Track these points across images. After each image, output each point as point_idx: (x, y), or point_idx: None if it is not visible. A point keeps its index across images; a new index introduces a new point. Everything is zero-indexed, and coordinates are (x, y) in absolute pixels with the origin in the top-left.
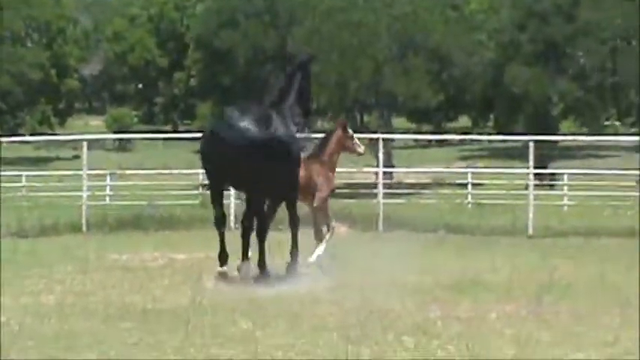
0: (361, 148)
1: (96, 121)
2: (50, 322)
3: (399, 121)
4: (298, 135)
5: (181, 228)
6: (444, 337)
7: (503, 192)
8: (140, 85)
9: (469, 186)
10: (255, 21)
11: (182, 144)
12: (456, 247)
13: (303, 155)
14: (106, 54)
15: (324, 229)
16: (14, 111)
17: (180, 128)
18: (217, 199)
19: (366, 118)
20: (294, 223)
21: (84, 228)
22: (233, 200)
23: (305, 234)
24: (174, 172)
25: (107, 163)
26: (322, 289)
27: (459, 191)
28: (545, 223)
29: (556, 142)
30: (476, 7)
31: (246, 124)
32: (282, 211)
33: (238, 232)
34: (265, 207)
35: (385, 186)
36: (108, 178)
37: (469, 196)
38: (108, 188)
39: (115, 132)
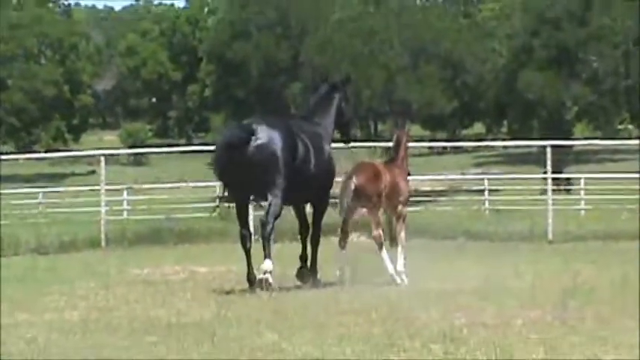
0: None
1: (110, 136)
2: (75, 337)
3: (413, 129)
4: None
5: (200, 241)
6: (471, 344)
7: (520, 198)
8: (154, 99)
9: (486, 192)
10: (267, 33)
11: (197, 157)
12: (477, 253)
13: (380, 160)
14: (119, 69)
15: (402, 235)
16: (29, 127)
17: (195, 141)
18: (243, 214)
19: (380, 127)
20: (318, 235)
21: (103, 243)
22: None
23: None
24: (191, 185)
25: (123, 178)
26: (347, 298)
27: (476, 197)
28: (564, 228)
29: (571, 146)
30: (488, 13)
31: (273, 134)
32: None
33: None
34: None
35: None
36: (125, 192)
37: (486, 203)
38: (125, 203)
39: (130, 146)
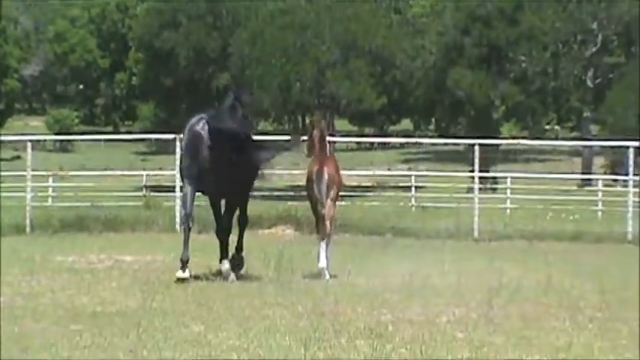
0: None
1: (36, 122)
2: (1, 323)
3: (341, 124)
4: None
5: (126, 230)
6: (397, 341)
7: (447, 195)
8: (81, 86)
9: (413, 189)
10: (197, 22)
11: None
12: (403, 250)
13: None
14: (46, 55)
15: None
16: None
17: (122, 129)
18: (219, 208)
19: (307, 121)
20: (245, 223)
21: (28, 229)
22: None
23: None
24: (117, 174)
25: (49, 164)
26: (271, 291)
27: (403, 194)
28: (489, 227)
29: (498, 145)
30: (419, 10)
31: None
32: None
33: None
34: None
35: None
36: (50, 179)
37: (413, 199)
38: (51, 189)
39: (56, 133)
